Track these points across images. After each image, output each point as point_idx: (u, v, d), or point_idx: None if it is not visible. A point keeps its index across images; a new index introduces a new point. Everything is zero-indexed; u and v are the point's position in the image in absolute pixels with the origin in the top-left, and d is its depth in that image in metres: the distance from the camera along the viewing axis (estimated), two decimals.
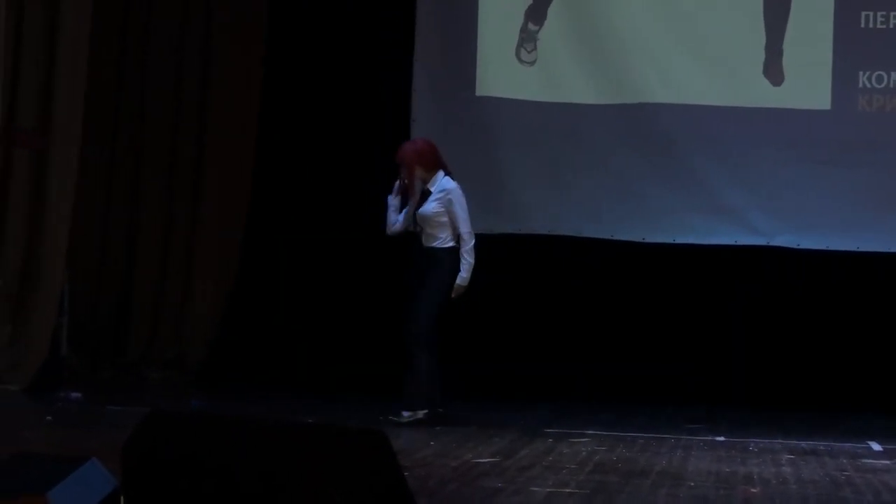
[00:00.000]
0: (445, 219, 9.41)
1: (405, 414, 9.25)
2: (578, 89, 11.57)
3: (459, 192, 9.47)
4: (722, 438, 9.26)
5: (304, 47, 12.28)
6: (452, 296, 9.36)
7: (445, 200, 9.41)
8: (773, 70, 11.39)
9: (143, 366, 11.92)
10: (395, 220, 9.58)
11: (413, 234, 9.55)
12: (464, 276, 9.36)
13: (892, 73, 11.21)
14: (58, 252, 10.62)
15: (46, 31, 10.57)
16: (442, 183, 9.47)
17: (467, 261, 9.37)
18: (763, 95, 11.38)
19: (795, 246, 11.36)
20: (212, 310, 12.16)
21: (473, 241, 9.43)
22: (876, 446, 9.10)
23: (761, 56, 11.42)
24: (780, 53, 11.38)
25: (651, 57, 11.48)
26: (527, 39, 11.67)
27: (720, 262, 11.63)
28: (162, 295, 12.19)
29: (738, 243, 11.41)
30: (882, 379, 11.42)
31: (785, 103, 11.35)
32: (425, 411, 9.27)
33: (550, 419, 9.94)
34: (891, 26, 11.24)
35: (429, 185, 9.46)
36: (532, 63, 11.67)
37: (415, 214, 9.43)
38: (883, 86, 11.23)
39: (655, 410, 10.75)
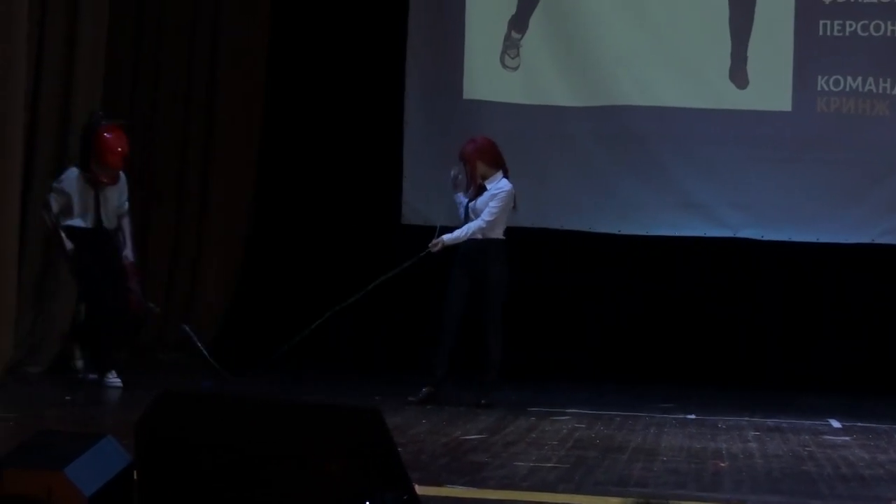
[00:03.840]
0: None
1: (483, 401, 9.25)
2: (558, 93, 11.52)
3: (507, 193, 9.35)
4: (693, 416, 9.23)
5: (306, 53, 12.28)
6: (429, 245, 9.30)
7: (494, 196, 9.33)
8: (738, 75, 11.35)
9: (155, 349, 11.87)
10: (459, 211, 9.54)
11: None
12: (451, 236, 9.31)
13: (848, 77, 11.17)
14: None
15: (66, 44, 10.47)
16: (500, 183, 9.39)
17: (464, 231, 9.29)
18: (729, 98, 11.35)
19: (759, 237, 11.32)
20: (219, 296, 12.15)
21: (481, 228, 9.26)
22: (835, 423, 9.08)
23: (727, 62, 11.38)
24: (745, 59, 11.34)
25: (626, 63, 11.43)
26: (510, 47, 11.62)
27: (690, 252, 11.59)
28: (172, 283, 12.14)
29: (707, 235, 11.37)
30: (841, 360, 11.41)
31: (749, 105, 11.31)
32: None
33: (533, 399, 9.91)
34: (847, 34, 11.20)
35: (486, 182, 9.38)
36: (515, 69, 11.62)
37: (468, 206, 9.38)
38: (840, 89, 11.20)
39: (631, 390, 10.71)
